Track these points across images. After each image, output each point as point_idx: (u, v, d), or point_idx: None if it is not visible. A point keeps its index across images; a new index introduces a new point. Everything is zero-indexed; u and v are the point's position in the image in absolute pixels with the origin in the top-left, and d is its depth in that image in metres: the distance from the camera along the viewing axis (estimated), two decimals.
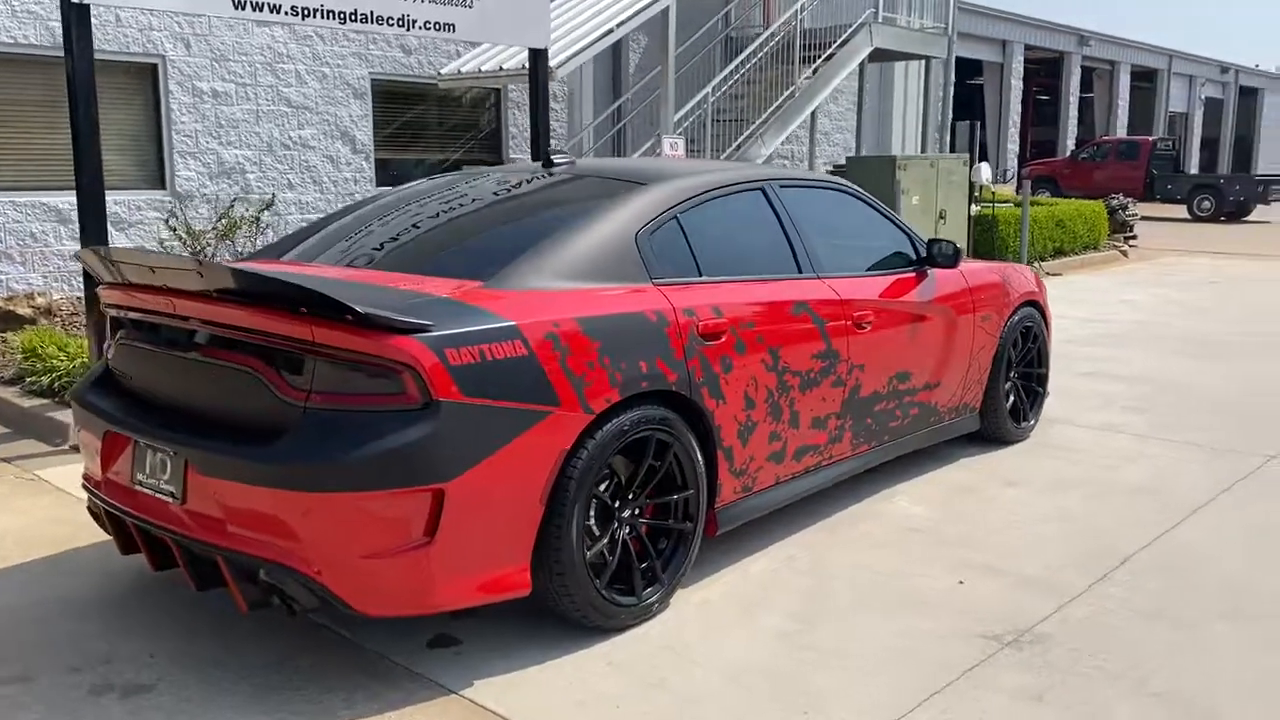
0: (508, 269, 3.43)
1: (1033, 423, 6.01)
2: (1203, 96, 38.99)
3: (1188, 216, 27.05)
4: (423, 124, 12.53)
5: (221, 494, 3.08)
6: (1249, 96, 43.09)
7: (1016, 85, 28.45)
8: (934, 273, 5.11)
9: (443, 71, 11.41)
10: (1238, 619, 3.63)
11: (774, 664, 3.32)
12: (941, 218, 12.80)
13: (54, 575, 4.04)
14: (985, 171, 13.58)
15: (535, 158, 7.70)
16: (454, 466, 3.01)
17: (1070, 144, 31.46)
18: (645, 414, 3.49)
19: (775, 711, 3.04)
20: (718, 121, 12.34)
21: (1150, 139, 28.90)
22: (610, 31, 10.25)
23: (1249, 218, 27.32)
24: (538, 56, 7.62)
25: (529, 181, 4.29)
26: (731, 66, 12.54)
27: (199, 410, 3.30)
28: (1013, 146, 28.69)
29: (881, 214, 5.13)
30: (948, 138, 17.61)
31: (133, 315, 3.55)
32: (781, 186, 4.52)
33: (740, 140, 12.32)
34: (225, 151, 10.56)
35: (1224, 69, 40.06)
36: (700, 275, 3.91)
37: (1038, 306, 5.97)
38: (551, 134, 13.37)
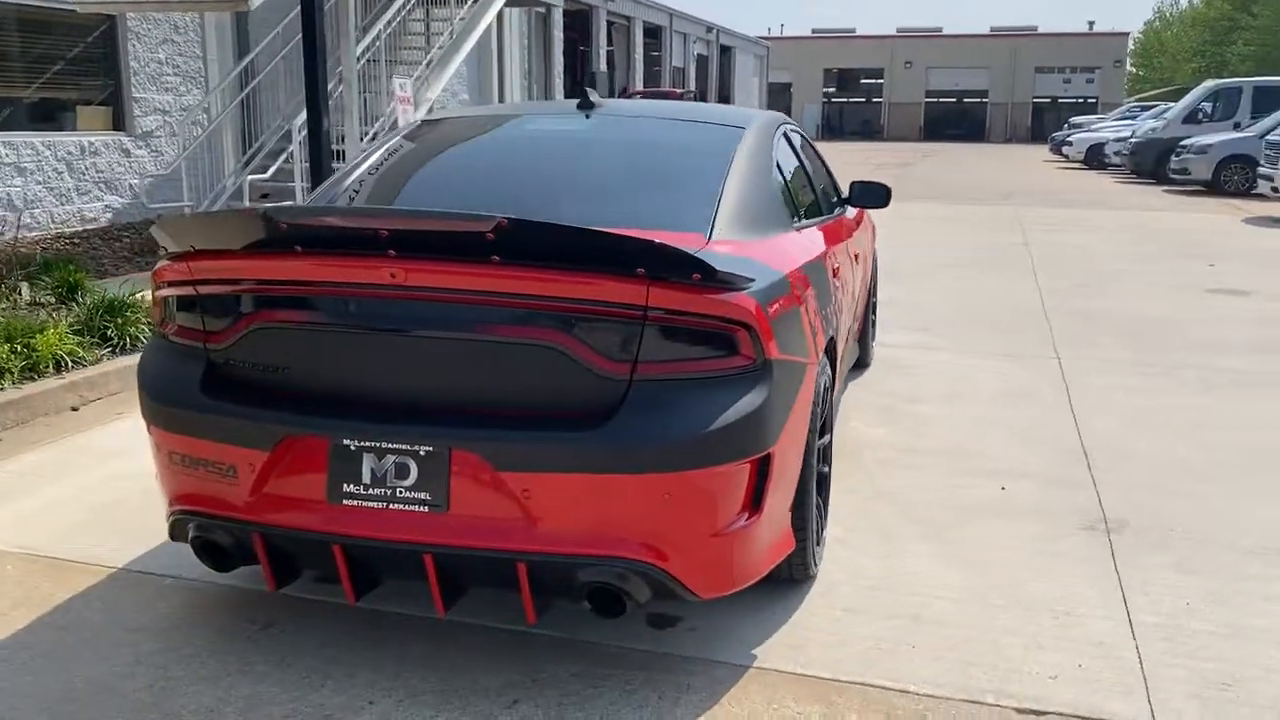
0: (719, 221, 3.23)
1: (874, 345, 6.69)
2: (695, 53, 43.30)
3: None
4: (22, 56, 10.41)
5: (531, 490, 2.63)
6: (727, 55, 48.64)
7: (559, 36, 29.62)
8: (852, 210, 5.49)
9: None
10: (1219, 482, 4.47)
11: (973, 581, 3.55)
12: None
13: (111, 637, 3.12)
14: None
15: (311, 103, 6.88)
16: (777, 428, 2.85)
17: (604, 95, 33.46)
18: (825, 359, 3.50)
19: (1029, 619, 3.28)
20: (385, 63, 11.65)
21: (679, 90, 31.70)
22: None
23: None
24: None
25: (603, 124, 3.96)
26: (396, 7, 11.86)
27: (453, 399, 2.74)
28: (559, 97, 29.89)
29: (817, 154, 5.39)
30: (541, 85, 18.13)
31: (293, 291, 2.82)
32: (789, 129, 4.61)
33: (412, 83, 11.74)
34: None
35: (709, 29, 44.75)
36: (801, 218, 3.93)
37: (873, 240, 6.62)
38: (175, 72, 11.83)
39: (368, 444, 2.72)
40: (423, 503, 2.69)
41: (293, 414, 2.78)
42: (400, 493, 2.71)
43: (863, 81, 72.10)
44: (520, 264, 2.62)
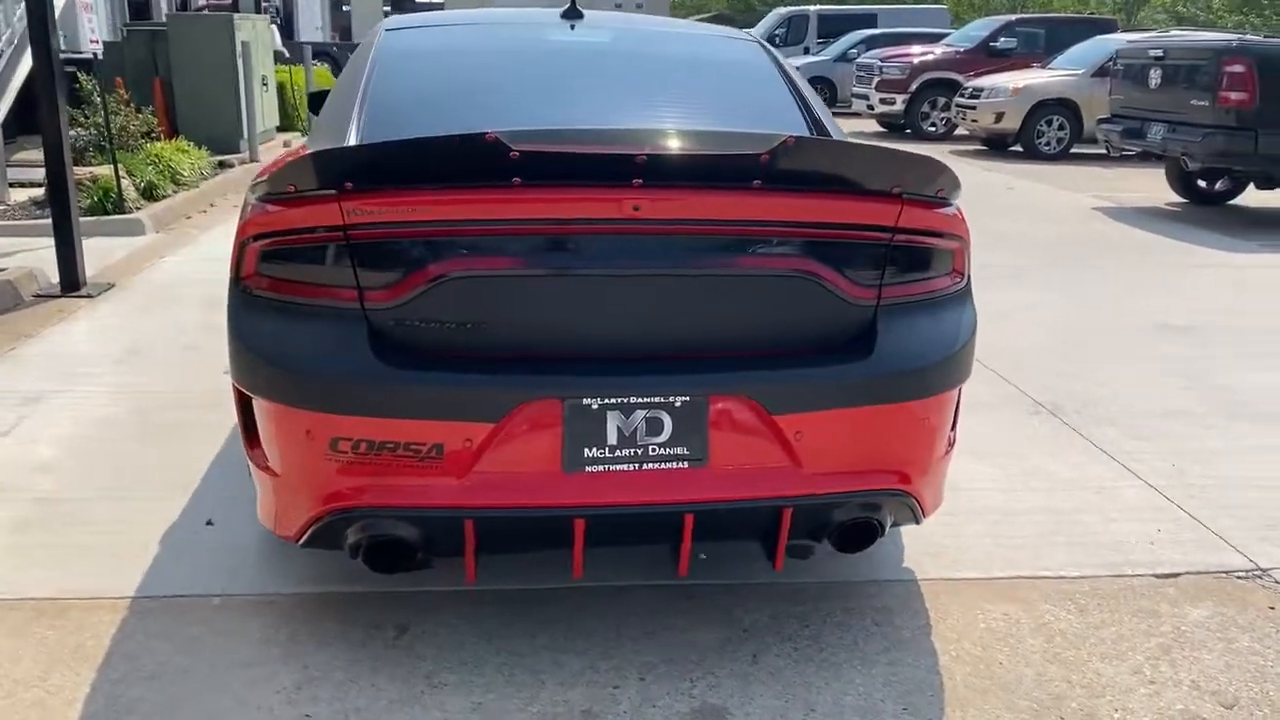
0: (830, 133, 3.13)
1: None
2: None
3: None
4: None
5: (803, 431, 2.46)
6: None
7: None
8: None
9: None
10: (1086, 363, 5.13)
11: (1003, 470, 3.83)
12: (264, 84, 12.00)
13: (223, 676, 2.48)
14: (277, 36, 12.95)
15: None
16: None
17: (166, 6, 30.08)
18: None
19: (1080, 498, 3.63)
20: None
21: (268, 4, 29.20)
22: None
23: None
24: None
25: (621, 36, 3.61)
26: None
27: (700, 341, 2.45)
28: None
29: None
30: None
31: (502, 231, 2.34)
32: None
33: None
34: None
35: None
36: None
37: None
38: None
39: (613, 401, 2.38)
40: (680, 458, 2.42)
41: (525, 375, 2.36)
42: (653, 450, 2.41)
43: (420, 0, 70.58)
44: (780, 188, 2.41)
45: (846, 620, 2.84)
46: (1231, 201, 10.53)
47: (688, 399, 2.41)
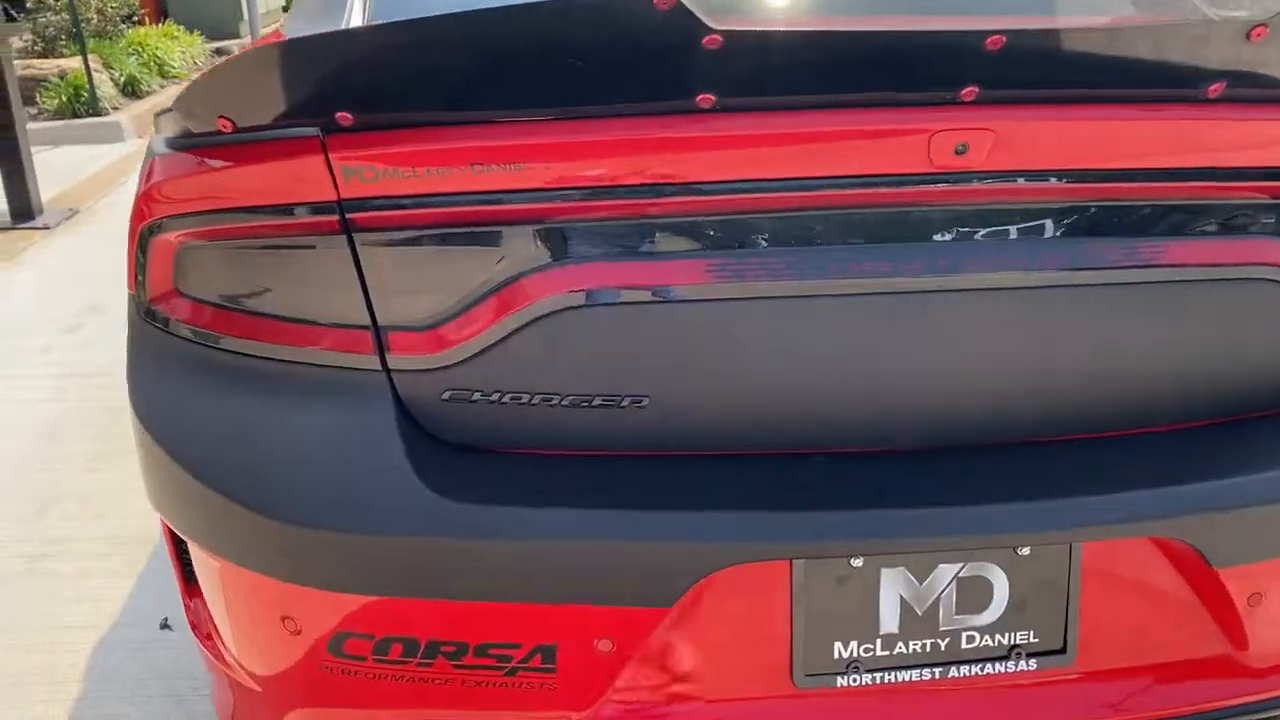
0: None
1: None
2: None
3: None
4: None
5: (1264, 592, 1.26)
6: None
7: None
8: None
9: None
10: None
11: None
12: None
13: None
14: None
15: None
16: None
17: None
18: None
19: None
20: None
21: None
22: None
23: None
24: None
25: None
26: None
27: (1047, 418, 1.24)
28: None
29: None
30: None
31: (679, 207, 1.11)
32: None
33: None
34: None
35: None
36: None
37: None
38: None
39: (893, 553, 1.17)
40: (1021, 652, 1.23)
41: (720, 510, 1.14)
42: (968, 640, 1.21)
43: None
44: (1254, 97, 1.16)
45: None
46: None
47: (1044, 544, 1.19)
